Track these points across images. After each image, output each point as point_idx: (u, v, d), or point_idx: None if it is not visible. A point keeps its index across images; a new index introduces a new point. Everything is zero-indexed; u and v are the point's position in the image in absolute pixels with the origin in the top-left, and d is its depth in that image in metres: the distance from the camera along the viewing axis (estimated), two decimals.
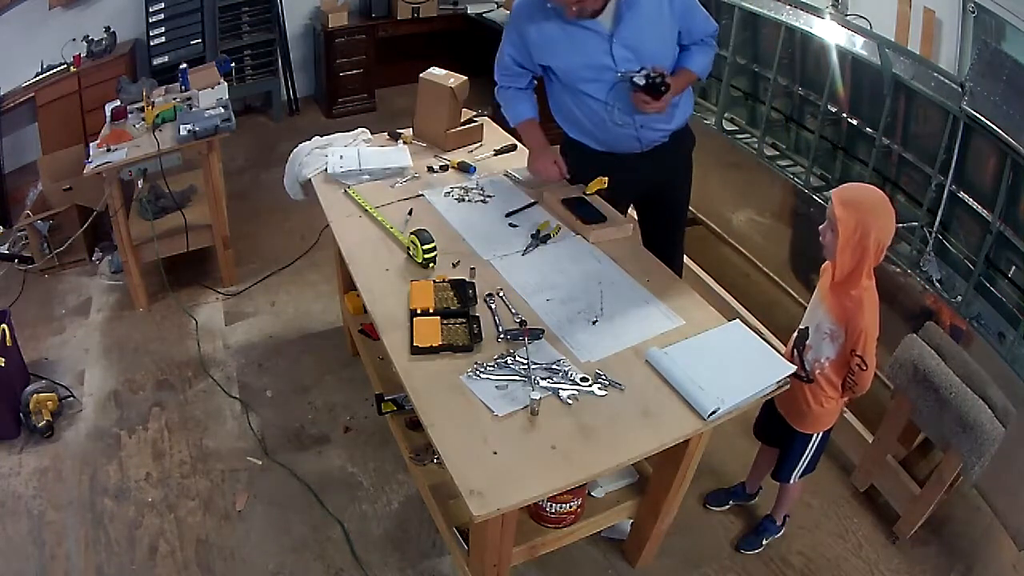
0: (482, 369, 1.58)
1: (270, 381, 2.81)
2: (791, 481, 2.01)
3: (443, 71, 2.52)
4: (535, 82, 2.29)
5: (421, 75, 2.54)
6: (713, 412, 1.48)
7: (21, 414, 2.52)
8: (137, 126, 3.03)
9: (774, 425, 1.97)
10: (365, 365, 2.57)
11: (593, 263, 1.98)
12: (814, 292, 1.83)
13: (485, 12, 5.06)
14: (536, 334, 1.67)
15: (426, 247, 1.89)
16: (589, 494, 1.91)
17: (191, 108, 3.07)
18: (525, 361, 1.59)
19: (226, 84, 3.27)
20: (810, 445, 1.91)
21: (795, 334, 1.86)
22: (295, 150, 2.50)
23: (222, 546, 2.17)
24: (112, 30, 4.16)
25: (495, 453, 1.40)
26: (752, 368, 1.60)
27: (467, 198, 2.26)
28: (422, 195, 2.28)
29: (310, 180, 2.39)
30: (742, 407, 1.55)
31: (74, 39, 4.02)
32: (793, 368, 1.62)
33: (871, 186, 1.70)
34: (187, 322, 3.10)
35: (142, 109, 3.08)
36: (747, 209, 3.05)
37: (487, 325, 1.71)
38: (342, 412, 2.65)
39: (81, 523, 2.24)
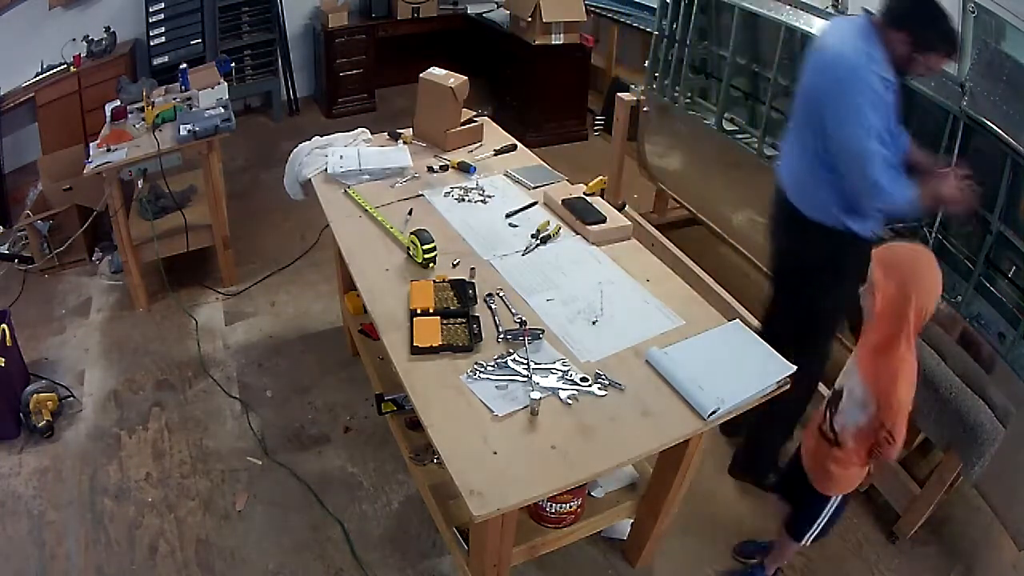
0: (482, 369, 1.58)
1: (270, 381, 2.81)
2: (803, 542, 1.90)
3: (443, 71, 2.52)
4: None
5: (421, 75, 2.54)
6: (713, 412, 1.48)
7: (21, 414, 2.52)
8: (137, 126, 3.03)
9: (795, 481, 1.88)
10: (365, 365, 2.57)
11: (593, 263, 1.98)
12: (852, 352, 1.73)
13: (485, 12, 5.06)
14: (536, 334, 1.67)
15: (426, 247, 1.89)
16: (589, 494, 1.91)
17: (191, 108, 3.07)
18: (525, 361, 1.59)
19: (226, 84, 3.27)
20: (828, 507, 1.82)
21: (830, 393, 1.76)
22: (295, 150, 2.50)
23: (222, 546, 2.17)
24: (112, 30, 4.16)
25: (495, 453, 1.40)
26: (752, 368, 1.60)
27: (467, 198, 2.26)
28: (422, 195, 2.28)
29: (310, 180, 2.39)
30: (742, 407, 1.56)
31: (74, 39, 4.02)
32: (793, 368, 1.61)
33: (917, 246, 1.59)
34: (187, 322, 3.10)
35: (142, 109, 3.08)
36: (747, 209, 3.04)
37: (487, 325, 1.71)
38: (342, 412, 2.65)
39: (81, 523, 2.24)
